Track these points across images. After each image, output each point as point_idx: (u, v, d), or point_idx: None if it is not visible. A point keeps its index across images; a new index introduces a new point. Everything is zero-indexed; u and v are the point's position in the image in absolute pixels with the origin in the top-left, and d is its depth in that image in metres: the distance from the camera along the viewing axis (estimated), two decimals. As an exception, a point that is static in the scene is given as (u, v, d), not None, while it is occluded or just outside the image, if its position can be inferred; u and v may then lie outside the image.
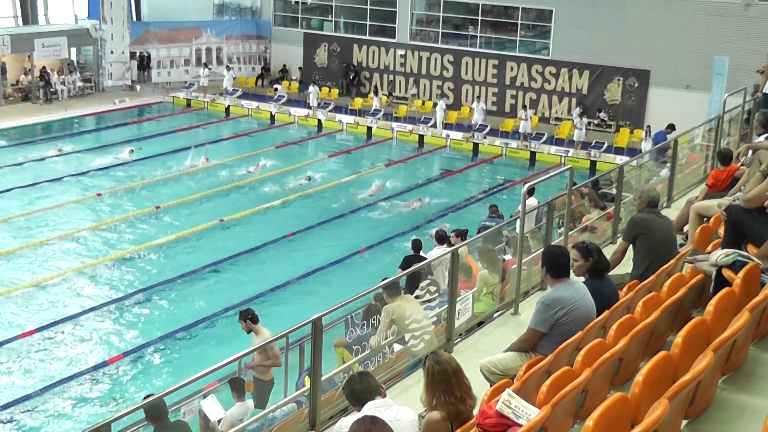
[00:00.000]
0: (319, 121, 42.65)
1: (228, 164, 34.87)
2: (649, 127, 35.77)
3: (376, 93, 43.40)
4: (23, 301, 21.98)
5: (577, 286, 8.57)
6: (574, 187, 14.10)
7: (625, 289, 9.55)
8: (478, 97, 41.47)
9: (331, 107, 43.65)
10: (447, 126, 40.77)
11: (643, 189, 11.48)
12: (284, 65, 49.01)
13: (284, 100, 44.77)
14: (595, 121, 39.34)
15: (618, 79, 39.32)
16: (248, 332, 14.13)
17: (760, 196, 8.03)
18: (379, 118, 41.91)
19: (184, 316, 21.18)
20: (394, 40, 45.38)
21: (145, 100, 45.51)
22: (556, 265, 8.65)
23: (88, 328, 20.68)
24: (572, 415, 6.49)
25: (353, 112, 42.97)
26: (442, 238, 17.42)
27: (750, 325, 6.42)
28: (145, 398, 11.08)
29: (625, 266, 10.84)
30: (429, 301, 11.52)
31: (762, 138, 13.48)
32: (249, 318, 14.09)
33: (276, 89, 45.80)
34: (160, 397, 10.22)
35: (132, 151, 35.91)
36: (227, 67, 47.17)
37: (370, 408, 6.89)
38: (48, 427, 16.76)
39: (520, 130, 38.64)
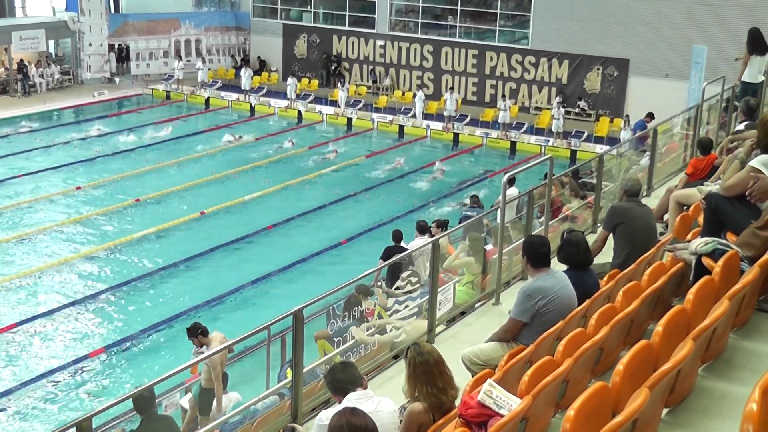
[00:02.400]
0: (299, 112, 42.56)
1: (208, 156, 34.82)
2: (627, 116, 35.86)
3: (343, 85, 43.03)
4: (1, 296, 21.87)
5: (557, 276, 8.57)
6: (554, 177, 14.12)
7: (605, 279, 9.57)
8: (451, 88, 41.31)
9: (311, 98, 43.59)
10: (427, 116, 40.78)
11: (624, 178, 11.51)
12: (258, 56, 48.87)
13: (248, 86, 44.68)
14: (575, 111, 39.42)
15: (597, 69, 39.38)
16: (201, 346, 13.30)
17: (739, 183, 8.04)
18: (359, 109, 41.92)
19: (165, 308, 21.13)
20: (374, 31, 45.31)
21: (124, 93, 45.32)
22: (536, 254, 8.64)
23: (69, 322, 20.62)
24: (554, 404, 6.50)
25: (333, 103, 42.86)
26: (423, 229, 17.41)
27: (730, 313, 6.43)
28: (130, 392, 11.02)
29: (606, 255, 10.86)
30: (410, 291, 11.51)
31: (742, 126, 13.52)
32: (200, 333, 13.33)
33: (240, 76, 45.57)
34: (147, 387, 10.19)
35: (169, 130, 37.99)
36: (203, 60, 46.93)
37: (351, 400, 6.88)
38: (29, 421, 16.70)
39: (500, 120, 38.66)
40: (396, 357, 10.55)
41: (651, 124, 24.82)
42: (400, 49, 44.65)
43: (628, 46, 38.02)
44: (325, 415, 6.64)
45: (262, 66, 48.55)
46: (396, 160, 34.74)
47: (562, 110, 37.72)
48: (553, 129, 37.54)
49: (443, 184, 32.19)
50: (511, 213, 14.98)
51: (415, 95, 41.82)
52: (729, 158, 11.12)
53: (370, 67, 45.60)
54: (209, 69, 47.24)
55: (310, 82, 46.21)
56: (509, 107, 38.95)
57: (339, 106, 42.09)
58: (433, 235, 15.92)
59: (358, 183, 32.00)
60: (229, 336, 13.86)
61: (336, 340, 11.39)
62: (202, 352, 12.96)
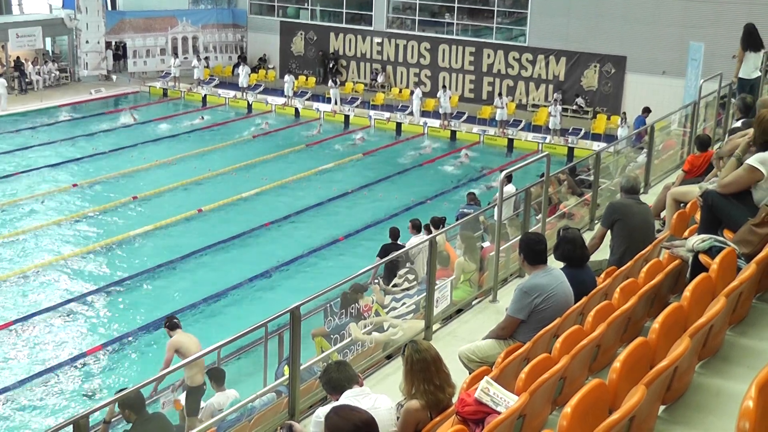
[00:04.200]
0: (297, 109, 42.55)
1: (202, 154, 34.80)
2: (624, 113, 35.88)
3: (336, 83, 42.97)
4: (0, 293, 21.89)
5: (554, 273, 8.56)
6: (551, 174, 14.11)
7: (602, 276, 9.57)
8: (444, 87, 41.21)
9: (308, 96, 43.58)
10: (424, 113, 40.81)
11: (623, 175, 11.51)
12: (264, 54, 48.84)
13: (245, 84, 44.64)
14: (573, 108, 39.41)
15: (595, 66, 39.38)
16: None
17: (736, 181, 8.06)
18: (357, 106, 41.97)
19: (162, 306, 21.08)
20: (371, 28, 45.28)
21: (121, 90, 45.31)
22: (533, 252, 8.64)
23: (67, 319, 20.60)
24: (551, 402, 6.50)
25: (330, 101, 42.79)
26: (418, 227, 17.38)
27: (726, 310, 6.44)
28: (118, 392, 11.01)
29: (603, 253, 10.86)
30: (407, 289, 11.52)
31: (739, 123, 13.52)
32: (167, 325, 13.48)
33: (238, 74, 45.54)
34: (137, 389, 10.23)
35: (202, 118, 39.98)
36: (198, 58, 46.87)
37: (348, 397, 6.89)
38: (27, 418, 16.68)
39: (497, 118, 38.69)
40: (389, 357, 10.56)
41: (648, 120, 24.82)
42: (397, 46, 44.64)
43: (626, 43, 38.03)
44: (323, 412, 6.63)
45: (261, 63, 48.49)
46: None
47: (560, 107, 37.71)
48: (550, 126, 37.54)
49: (444, 182, 32.17)
50: (509, 210, 14.99)
51: (412, 92, 41.82)
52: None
53: (368, 64, 45.57)
54: (205, 66, 47.23)
55: (307, 79, 46.22)
56: (506, 104, 38.96)
57: (335, 104, 42.12)
58: (430, 232, 15.93)
59: (356, 180, 31.98)
60: (228, 333, 13.84)
61: (333, 337, 11.38)
62: None
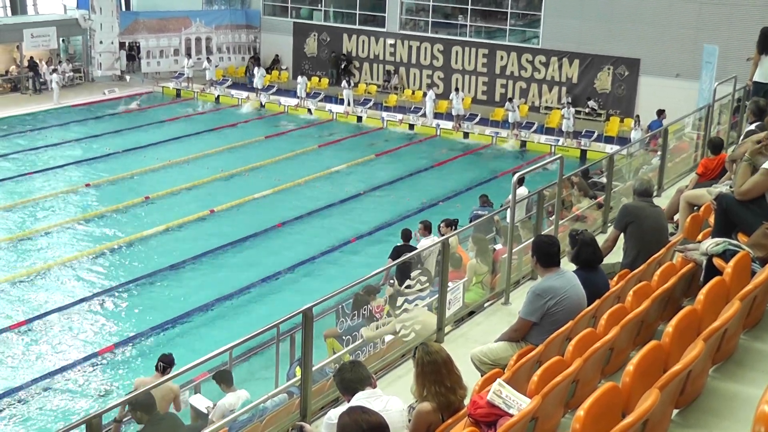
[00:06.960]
0: (309, 110, 42.58)
1: (218, 154, 34.84)
2: (638, 116, 35.78)
3: (349, 84, 43.04)
4: (12, 293, 21.91)
5: (567, 276, 8.54)
6: (564, 177, 14.06)
7: (615, 279, 9.55)
8: (457, 89, 41.17)
9: (321, 97, 43.62)
10: (437, 115, 40.77)
11: (637, 178, 11.48)
12: (276, 55, 48.90)
13: (260, 85, 44.74)
14: (586, 110, 39.31)
15: (608, 68, 39.26)
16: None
17: (754, 187, 8.04)
18: (370, 107, 42.00)
19: (174, 306, 21.14)
20: (384, 30, 45.27)
21: (135, 90, 45.38)
22: (546, 254, 8.61)
23: (78, 320, 20.65)
24: (563, 404, 6.48)
25: (343, 102, 42.82)
26: (429, 229, 17.35)
27: (740, 314, 6.41)
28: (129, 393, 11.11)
29: (616, 255, 10.83)
30: (420, 291, 11.49)
31: (752, 126, 13.46)
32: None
33: (253, 74, 45.66)
34: (146, 390, 10.27)
35: (262, 106, 43.72)
36: (208, 59, 46.91)
37: (359, 399, 6.87)
38: (39, 418, 16.73)
39: (509, 120, 38.64)
40: (402, 356, 10.54)
41: (664, 122, 24.72)
42: (410, 48, 44.60)
43: (639, 46, 37.91)
44: (335, 414, 6.63)
45: (274, 64, 48.53)
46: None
47: (573, 110, 37.62)
48: (563, 128, 37.49)
49: (453, 183, 32.12)
50: (521, 212, 14.95)
51: (425, 94, 41.80)
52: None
53: (381, 66, 45.57)
54: (217, 66, 47.31)
55: (320, 80, 46.23)
56: (517, 107, 38.92)
57: (348, 105, 42.16)
58: (442, 234, 15.89)
59: (368, 181, 31.97)
60: (239, 334, 13.83)
61: (345, 338, 11.37)
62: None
